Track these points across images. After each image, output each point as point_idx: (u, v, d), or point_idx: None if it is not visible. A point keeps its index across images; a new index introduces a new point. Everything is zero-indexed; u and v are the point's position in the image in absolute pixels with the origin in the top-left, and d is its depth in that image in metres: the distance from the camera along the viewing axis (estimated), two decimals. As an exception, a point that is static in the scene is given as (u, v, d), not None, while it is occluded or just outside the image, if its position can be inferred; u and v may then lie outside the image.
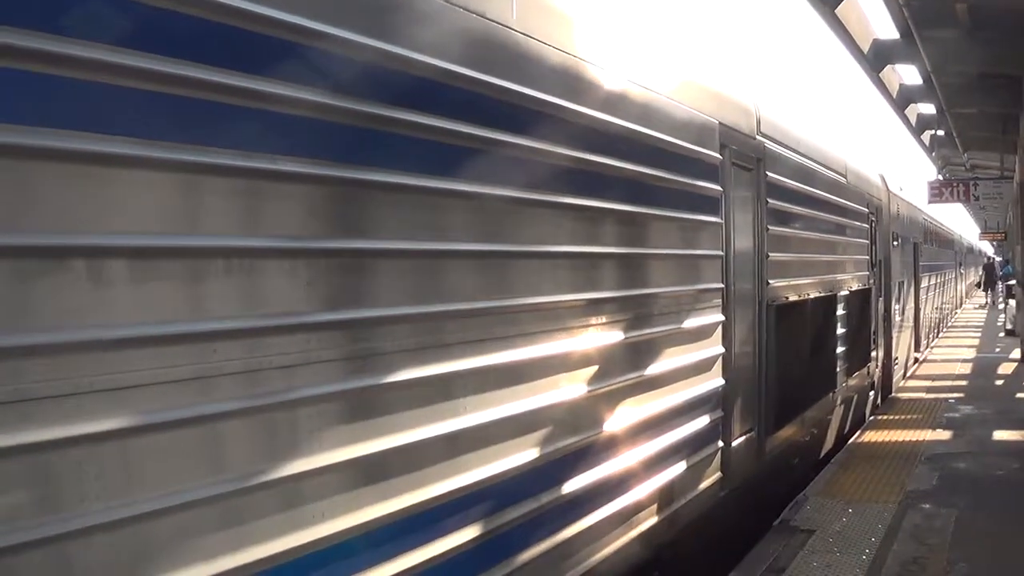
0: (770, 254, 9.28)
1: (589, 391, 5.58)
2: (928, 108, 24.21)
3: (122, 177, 2.98)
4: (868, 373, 15.10)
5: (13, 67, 2.69)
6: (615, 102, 5.97)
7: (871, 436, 13.74)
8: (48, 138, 2.76)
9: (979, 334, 31.42)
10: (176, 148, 3.14)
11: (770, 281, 9.29)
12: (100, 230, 2.91)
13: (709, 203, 7.68)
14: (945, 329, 33.26)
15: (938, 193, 31.20)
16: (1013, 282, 32.34)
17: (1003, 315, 33.21)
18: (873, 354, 15.48)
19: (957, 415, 15.35)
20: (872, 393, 15.90)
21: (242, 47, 3.39)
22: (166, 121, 3.12)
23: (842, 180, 13.08)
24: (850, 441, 13.44)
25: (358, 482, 3.84)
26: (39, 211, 2.77)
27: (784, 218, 9.94)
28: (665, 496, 6.70)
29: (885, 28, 17.11)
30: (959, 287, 47.29)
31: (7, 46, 2.66)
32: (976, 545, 8.39)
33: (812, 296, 11.02)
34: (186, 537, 3.14)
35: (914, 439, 13.36)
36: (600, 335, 5.76)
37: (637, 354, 6.28)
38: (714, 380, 7.73)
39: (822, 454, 12.52)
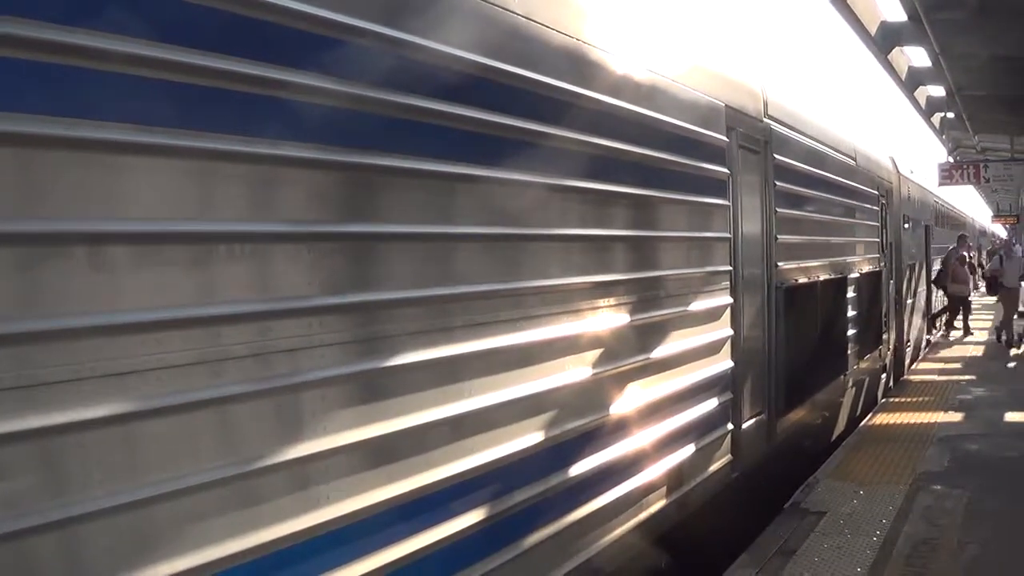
0: (779, 236, 9.26)
1: (597, 374, 5.58)
2: (938, 90, 24.06)
3: (127, 164, 2.99)
4: (880, 355, 15.08)
5: (20, 57, 2.70)
6: (621, 86, 5.96)
7: (883, 418, 13.69)
8: (55, 126, 2.77)
9: (992, 316, 31.23)
10: (182, 135, 3.15)
11: (779, 263, 9.27)
12: (106, 216, 2.93)
13: (716, 185, 7.67)
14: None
15: (948, 175, 31.13)
16: None
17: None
18: (884, 336, 15.45)
19: (969, 397, 15.28)
20: (884, 375, 15.88)
21: (246, 34, 3.39)
22: (173, 108, 3.13)
23: (851, 162, 13.04)
24: (862, 423, 13.42)
25: (363, 465, 3.85)
26: (46, 198, 2.78)
27: (792, 200, 9.90)
28: (675, 479, 6.70)
29: (893, 10, 17.02)
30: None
31: (13, 36, 2.67)
32: (987, 526, 8.36)
33: (822, 279, 11.00)
34: (191, 521, 3.15)
35: (926, 421, 13.31)
36: (608, 318, 5.76)
37: (645, 337, 6.28)
38: (723, 363, 7.73)
39: (833, 436, 12.50)
